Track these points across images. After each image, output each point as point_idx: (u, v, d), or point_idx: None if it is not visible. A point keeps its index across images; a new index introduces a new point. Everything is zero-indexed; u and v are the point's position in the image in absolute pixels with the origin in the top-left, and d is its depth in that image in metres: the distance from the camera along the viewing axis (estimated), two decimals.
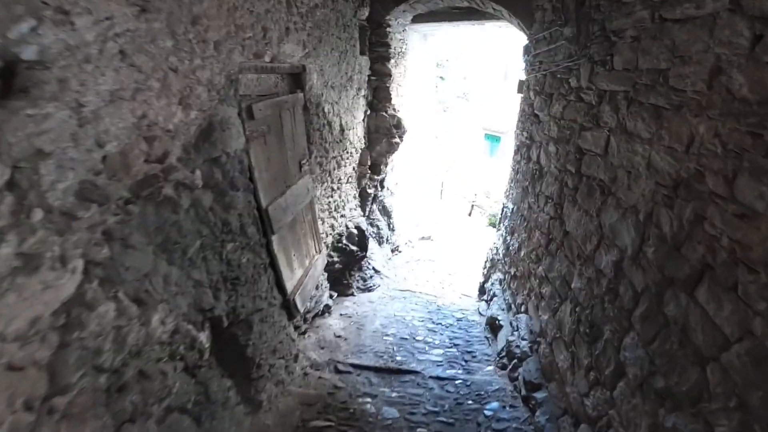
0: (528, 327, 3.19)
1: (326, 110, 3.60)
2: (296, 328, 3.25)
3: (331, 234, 4.04)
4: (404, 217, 6.77)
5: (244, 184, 2.10)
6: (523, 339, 3.18)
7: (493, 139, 15.55)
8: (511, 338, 3.39)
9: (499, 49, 13.89)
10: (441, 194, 11.36)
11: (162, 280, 1.66)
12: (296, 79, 2.95)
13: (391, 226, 6.02)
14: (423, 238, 7.49)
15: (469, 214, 11.32)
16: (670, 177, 1.51)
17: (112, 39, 1.29)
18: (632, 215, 1.78)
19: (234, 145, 1.97)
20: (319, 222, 3.55)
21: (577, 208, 2.37)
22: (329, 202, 3.93)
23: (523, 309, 3.37)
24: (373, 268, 4.81)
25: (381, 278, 4.90)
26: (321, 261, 3.44)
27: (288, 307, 2.78)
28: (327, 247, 3.92)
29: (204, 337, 2.01)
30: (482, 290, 4.82)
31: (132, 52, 1.35)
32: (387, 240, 5.76)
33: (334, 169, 4.00)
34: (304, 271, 3.02)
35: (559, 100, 2.70)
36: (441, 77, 12.77)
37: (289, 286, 2.71)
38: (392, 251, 6.02)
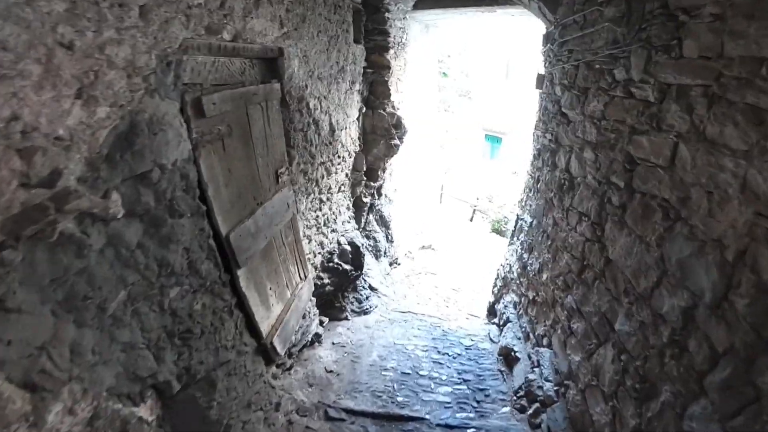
0: (553, 365, 2.75)
1: (312, 106, 3.00)
2: (279, 365, 2.76)
3: (320, 253, 3.49)
4: (403, 226, 6.25)
5: (192, 207, 1.57)
6: (546, 380, 2.74)
7: (494, 140, 15.14)
8: (531, 376, 2.93)
9: (501, 46, 13.56)
10: (440, 198, 10.89)
11: (68, 350, 1.21)
12: (271, 65, 2.36)
13: (390, 237, 5.48)
14: (423, 247, 6.99)
15: (471, 219, 10.87)
16: None
17: None
18: (714, 251, 1.39)
19: (173, 155, 1.44)
20: (305, 241, 3.01)
21: (627, 232, 1.93)
22: (317, 216, 3.36)
23: (545, 342, 2.93)
24: (370, 286, 4.30)
25: (378, 297, 4.39)
26: (307, 288, 2.90)
27: (265, 351, 2.27)
28: (316, 268, 3.38)
29: (144, 412, 1.55)
30: (492, 311, 4.33)
31: None
32: (385, 253, 5.23)
33: (323, 178, 3.42)
34: (285, 304, 2.50)
35: (598, 95, 2.22)
36: (444, 73, 12.32)
37: (265, 327, 2.19)
38: (390, 264, 5.50)
